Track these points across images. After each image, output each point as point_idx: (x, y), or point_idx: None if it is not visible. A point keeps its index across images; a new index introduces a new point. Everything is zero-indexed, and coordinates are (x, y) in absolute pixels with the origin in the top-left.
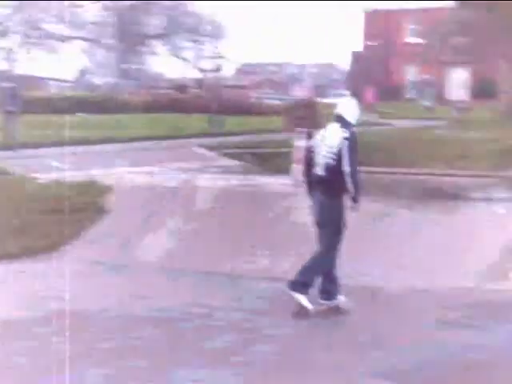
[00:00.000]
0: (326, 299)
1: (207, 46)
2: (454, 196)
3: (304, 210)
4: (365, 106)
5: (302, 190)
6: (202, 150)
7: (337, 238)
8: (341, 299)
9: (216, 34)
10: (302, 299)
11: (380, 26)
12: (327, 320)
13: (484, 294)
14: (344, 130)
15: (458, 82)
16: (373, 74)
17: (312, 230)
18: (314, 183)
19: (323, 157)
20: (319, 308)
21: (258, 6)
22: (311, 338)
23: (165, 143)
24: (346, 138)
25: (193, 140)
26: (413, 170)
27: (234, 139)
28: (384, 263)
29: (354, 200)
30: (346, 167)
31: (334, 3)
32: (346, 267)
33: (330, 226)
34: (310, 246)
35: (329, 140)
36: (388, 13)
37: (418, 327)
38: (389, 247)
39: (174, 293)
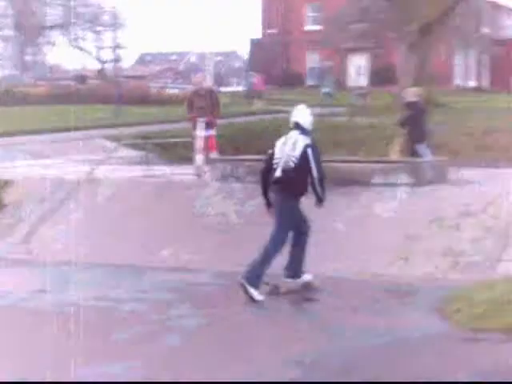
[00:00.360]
0: (290, 277)
1: (107, 36)
2: (353, 182)
3: (207, 200)
4: (255, 94)
5: (204, 179)
6: (104, 141)
7: (285, 228)
8: (307, 277)
9: (115, 24)
10: (254, 293)
11: (279, 13)
12: (240, 313)
13: (386, 278)
14: (304, 137)
15: (357, 68)
16: (272, 62)
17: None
18: (273, 185)
19: (285, 162)
20: (286, 286)
21: None
22: (221, 329)
23: (66, 135)
24: (308, 146)
25: (95, 131)
26: None
27: (136, 130)
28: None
29: (320, 200)
30: (315, 173)
31: None
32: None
33: (283, 222)
34: (213, 235)
35: (291, 146)
36: (287, 0)
37: (328, 314)
38: None
39: (78, 286)
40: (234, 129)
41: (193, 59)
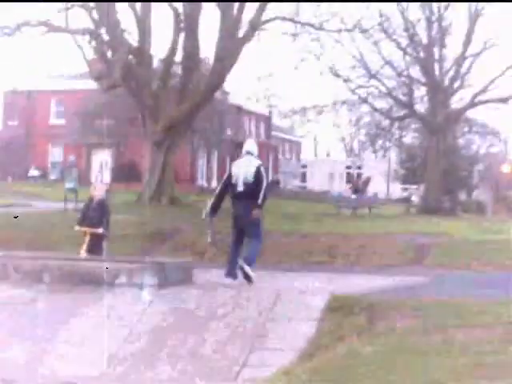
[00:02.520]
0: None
1: None
2: (99, 282)
3: None
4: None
5: None
6: None
7: (260, 226)
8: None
9: None
10: (251, 272)
11: (21, 105)
12: None
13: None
14: (256, 159)
15: (101, 164)
16: (14, 155)
17: None
18: (235, 199)
19: (244, 178)
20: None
21: None
22: None
23: None
24: (261, 165)
25: None
26: (54, 254)
27: None
28: (28, 352)
29: (259, 207)
30: (264, 185)
31: None
32: None
33: (254, 222)
34: None
35: (246, 167)
36: (30, 93)
37: None
38: (39, 334)
39: None
40: None
41: None
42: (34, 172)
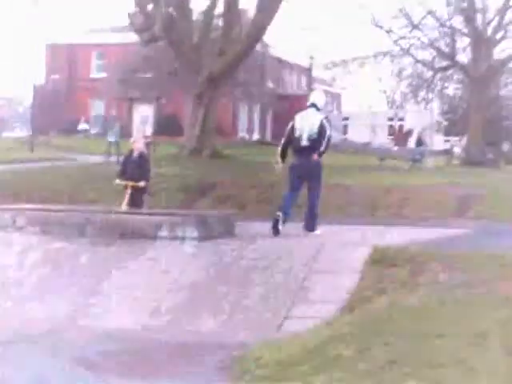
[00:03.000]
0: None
1: None
2: (141, 235)
3: None
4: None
5: None
6: None
7: (320, 177)
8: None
9: None
10: (317, 232)
11: (63, 59)
12: None
13: (179, 334)
14: (319, 113)
15: (143, 117)
16: (56, 108)
17: None
18: (298, 152)
19: (308, 135)
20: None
21: None
22: None
23: None
24: (325, 118)
25: None
26: (96, 208)
27: None
28: (71, 304)
29: (321, 154)
30: (327, 136)
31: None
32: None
33: (316, 177)
34: None
35: (310, 120)
36: (71, 46)
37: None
38: (82, 286)
39: None
40: (14, 175)
41: None
42: (84, 125)
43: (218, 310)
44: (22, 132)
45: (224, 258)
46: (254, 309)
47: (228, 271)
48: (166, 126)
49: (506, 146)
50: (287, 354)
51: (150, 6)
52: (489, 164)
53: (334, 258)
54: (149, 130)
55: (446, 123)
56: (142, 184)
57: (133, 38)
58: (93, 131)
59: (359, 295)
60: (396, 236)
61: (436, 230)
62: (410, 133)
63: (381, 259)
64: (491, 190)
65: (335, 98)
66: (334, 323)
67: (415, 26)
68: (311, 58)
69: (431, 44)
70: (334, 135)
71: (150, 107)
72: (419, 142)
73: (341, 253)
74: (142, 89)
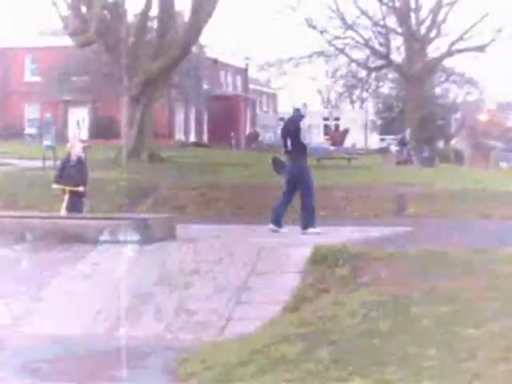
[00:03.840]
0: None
1: None
2: (82, 239)
3: None
4: None
5: None
6: None
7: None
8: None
9: None
10: (314, 230)
11: None
12: None
13: (116, 340)
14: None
15: (78, 121)
16: None
17: None
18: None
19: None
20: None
21: None
22: None
23: None
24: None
25: None
26: (35, 214)
27: None
28: (12, 311)
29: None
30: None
31: None
32: None
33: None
34: None
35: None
36: (4, 50)
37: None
38: (23, 293)
39: None
40: None
41: None
42: (31, 130)
43: (161, 313)
44: None
45: (166, 262)
46: (198, 311)
47: (170, 274)
48: (102, 130)
49: (440, 144)
50: (232, 355)
51: (84, 9)
52: (425, 162)
53: (276, 259)
54: (84, 134)
55: (381, 122)
56: (81, 189)
57: (68, 41)
58: (29, 135)
59: (302, 295)
60: (337, 235)
61: (376, 229)
62: (345, 132)
63: (322, 259)
64: (428, 188)
65: (271, 98)
66: (278, 323)
67: (349, 26)
68: (247, 58)
69: (366, 44)
70: (271, 136)
71: (86, 110)
72: (403, 142)
73: (282, 253)
74: (77, 92)
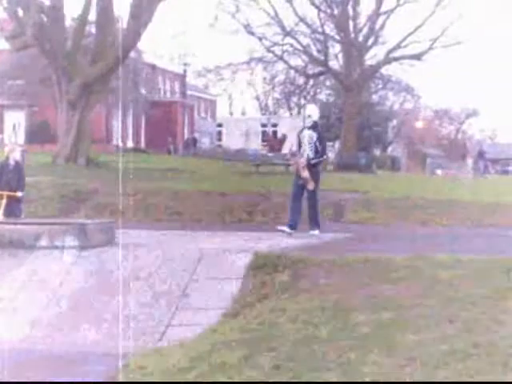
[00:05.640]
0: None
1: None
2: (19, 245)
3: None
4: None
5: None
6: None
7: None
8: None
9: None
10: (315, 232)
11: None
12: None
13: (55, 347)
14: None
15: (14, 125)
16: None
17: None
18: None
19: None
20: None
21: None
22: None
23: None
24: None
25: None
26: None
27: None
28: None
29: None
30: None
31: None
32: None
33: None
34: None
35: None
36: None
37: None
38: None
39: None
40: None
41: None
42: None
43: (99, 319)
44: None
45: (105, 267)
46: (137, 317)
47: (109, 280)
48: (38, 134)
49: (377, 151)
50: (172, 362)
51: (20, 12)
52: (362, 169)
53: (216, 265)
54: (20, 138)
55: None
56: (19, 194)
57: (4, 44)
58: None
59: (242, 301)
60: (276, 241)
61: (314, 235)
62: (283, 139)
63: (262, 265)
64: (365, 195)
65: (209, 104)
66: (219, 330)
67: (288, 33)
68: (185, 64)
69: (304, 51)
70: (207, 141)
71: (22, 115)
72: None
73: (222, 259)
74: (13, 96)
